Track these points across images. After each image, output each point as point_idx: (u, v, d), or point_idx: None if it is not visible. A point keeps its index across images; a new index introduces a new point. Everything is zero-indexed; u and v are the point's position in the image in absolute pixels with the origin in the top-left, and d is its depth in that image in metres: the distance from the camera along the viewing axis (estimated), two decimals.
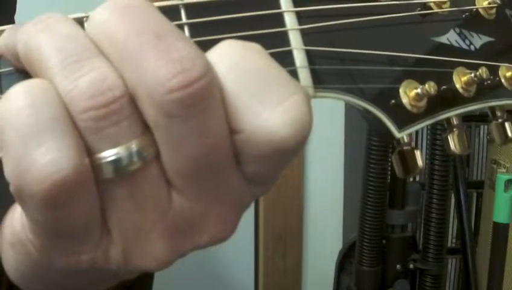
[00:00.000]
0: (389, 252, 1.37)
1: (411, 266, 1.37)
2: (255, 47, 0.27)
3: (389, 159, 1.31)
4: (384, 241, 1.36)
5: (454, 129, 0.34)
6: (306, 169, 1.67)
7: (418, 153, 0.32)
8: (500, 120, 0.35)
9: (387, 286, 1.37)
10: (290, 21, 0.30)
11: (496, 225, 1.28)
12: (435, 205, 1.32)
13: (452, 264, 1.57)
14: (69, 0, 1.37)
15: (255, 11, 0.29)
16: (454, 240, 1.55)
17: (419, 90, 0.31)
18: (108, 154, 0.25)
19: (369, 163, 1.31)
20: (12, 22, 0.73)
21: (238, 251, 1.61)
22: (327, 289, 1.49)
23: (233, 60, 0.26)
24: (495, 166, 1.42)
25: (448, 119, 0.33)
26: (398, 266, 1.36)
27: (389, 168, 1.32)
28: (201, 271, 1.58)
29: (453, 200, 1.36)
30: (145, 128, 0.26)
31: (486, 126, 1.52)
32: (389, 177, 1.33)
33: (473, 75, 0.32)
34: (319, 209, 1.70)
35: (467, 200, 1.30)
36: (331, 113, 1.61)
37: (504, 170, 1.40)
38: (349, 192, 1.66)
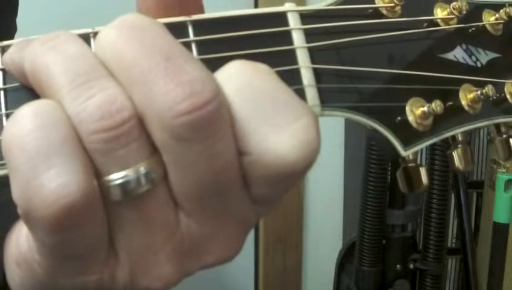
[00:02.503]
0: (389, 252, 1.37)
1: (411, 266, 1.37)
2: (263, 68, 0.27)
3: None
4: (384, 241, 1.36)
5: (459, 145, 0.34)
6: None
7: (423, 170, 0.32)
8: (504, 136, 0.35)
9: (387, 286, 1.37)
10: (298, 39, 0.30)
11: (496, 225, 1.28)
12: (435, 205, 1.32)
13: (452, 264, 1.57)
14: (69, 3, 1.37)
15: (263, 28, 0.29)
16: (454, 240, 1.55)
17: (425, 109, 0.31)
18: (117, 177, 0.25)
19: (369, 163, 1.31)
20: (14, 24, 0.72)
21: None
22: (327, 289, 1.49)
23: (241, 81, 0.26)
24: (495, 166, 1.42)
25: (453, 136, 0.33)
26: (398, 266, 1.36)
27: (389, 168, 1.32)
28: (201, 271, 1.57)
29: (453, 200, 1.36)
30: (154, 150, 0.26)
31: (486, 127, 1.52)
32: (389, 177, 1.33)
33: (479, 92, 0.32)
34: (319, 210, 1.70)
35: (467, 200, 1.30)
36: None
37: (504, 170, 1.40)
38: (349, 192, 1.66)
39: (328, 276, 1.49)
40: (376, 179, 1.32)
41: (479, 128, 0.33)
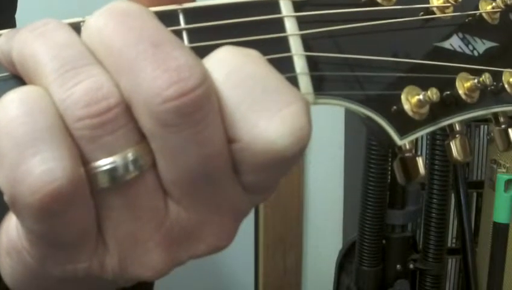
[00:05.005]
0: (389, 252, 1.37)
1: (411, 266, 1.37)
2: (253, 54, 0.27)
3: (389, 159, 1.31)
4: (384, 241, 1.36)
5: (457, 135, 0.33)
6: (306, 169, 1.67)
7: (419, 160, 0.32)
8: (503, 126, 0.34)
9: (387, 286, 1.37)
10: (291, 26, 0.29)
11: (496, 225, 1.28)
12: (435, 205, 1.32)
13: (452, 264, 1.57)
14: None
15: (255, 16, 0.29)
16: (454, 240, 1.55)
17: (421, 97, 0.31)
18: (104, 163, 0.25)
19: (369, 163, 1.31)
20: (13, 20, 0.72)
21: (238, 250, 1.61)
22: (327, 289, 1.49)
23: (230, 67, 0.26)
24: (495, 166, 1.42)
25: (450, 126, 0.33)
26: (398, 266, 1.36)
27: (389, 168, 1.32)
28: (201, 271, 1.57)
29: (453, 200, 1.36)
30: (141, 137, 0.26)
31: (486, 126, 1.52)
32: (389, 177, 1.33)
33: (476, 81, 0.32)
34: (319, 210, 1.70)
35: (467, 200, 1.30)
36: (331, 113, 1.61)
37: (504, 170, 1.40)
38: (349, 192, 1.66)
39: (328, 276, 1.49)
40: (376, 179, 1.32)
41: (476, 118, 0.33)
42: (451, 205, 1.42)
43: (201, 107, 0.24)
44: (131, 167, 0.25)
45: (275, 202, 1.63)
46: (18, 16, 0.75)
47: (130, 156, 0.25)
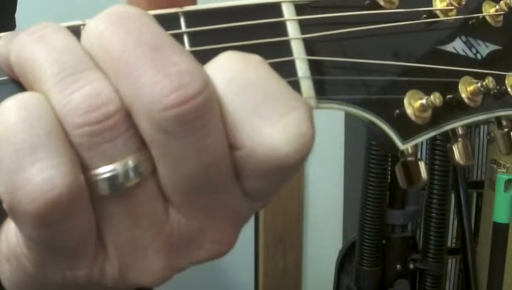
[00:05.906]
0: (389, 252, 1.37)
1: (411, 266, 1.37)
2: (255, 59, 0.26)
3: (389, 159, 1.31)
4: (384, 241, 1.36)
5: (459, 139, 0.33)
6: (306, 169, 1.67)
7: (422, 165, 0.32)
8: (505, 130, 0.34)
9: (387, 286, 1.37)
10: (293, 30, 0.29)
11: (496, 225, 1.28)
12: (435, 205, 1.32)
13: (452, 264, 1.57)
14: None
15: (257, 19, 0.28)
16: (454, 240, 1.55)
17: (424, 101, 0.30)
18: (104, 171, 0.25)
19: (369, 163, 1.31)
20: (13, 21, 0.72)
21: (238, 250, 1.60)
22: (327, 289, 1.49)
23: (232, 73, 0.25)
24: (495, 166, 1.42)
25: (452, 129, 0.33)
26: (398, 266, 1.36)
27: (389, 168, 1.32)
28: (201, 271, 1.57)
29: (453, 200, 1.36)
30: (142, 143, 0.25)
31: (486, 126, 1.52)
32: (389, 177, 1.33)
33: (479, 84, 0.32)
34: (319, 210, 1.69)
35: (467, 200, 1.30)
36: (331, 113, 1.60)
37: (504, 170, 1.39)
38: (349, 192, 1.66)
39: (328, 276, 1.49)
40: (376, 179, 1.32)
41: (479, 122, 0.32)
42: (451, 205, 1.42)
43: (203, 114, 0.24)
44: (131, 174, 0.25)
45: (275, 202, 1.63)
46: (17, 16, 0.74)
47: (130, 163, 0.25)
